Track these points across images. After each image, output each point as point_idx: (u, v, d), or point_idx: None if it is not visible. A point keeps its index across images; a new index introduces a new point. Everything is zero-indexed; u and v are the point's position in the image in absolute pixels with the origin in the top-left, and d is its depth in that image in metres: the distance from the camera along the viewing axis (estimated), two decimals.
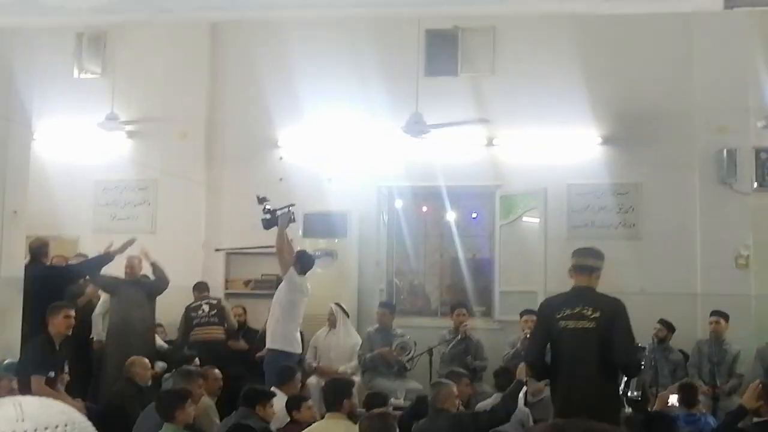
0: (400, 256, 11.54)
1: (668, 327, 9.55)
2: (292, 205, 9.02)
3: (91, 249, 10.09)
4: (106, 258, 9.18)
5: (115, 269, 9.51)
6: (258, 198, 8.91)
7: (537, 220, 10.75)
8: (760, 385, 6.69)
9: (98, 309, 9.67)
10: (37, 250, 8.64)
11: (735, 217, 10.26)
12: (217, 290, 10.93)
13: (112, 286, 9.41)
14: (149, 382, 7.92)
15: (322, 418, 6.64)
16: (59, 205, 11.22)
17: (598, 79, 10.56)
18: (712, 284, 10.16)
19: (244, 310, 10.72)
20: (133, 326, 9.15)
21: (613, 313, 5.77)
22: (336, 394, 6.53)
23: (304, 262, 8.98)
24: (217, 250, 11.41)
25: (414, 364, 9.69)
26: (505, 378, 7.71)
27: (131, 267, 9.49)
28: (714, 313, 9.50)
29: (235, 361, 9.66)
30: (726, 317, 9.44)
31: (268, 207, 8.89)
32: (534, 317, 7.23)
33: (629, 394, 6.35)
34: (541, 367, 6.16)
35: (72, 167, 11.56)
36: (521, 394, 7.08)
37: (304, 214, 10.52)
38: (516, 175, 10.87)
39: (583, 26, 10.52)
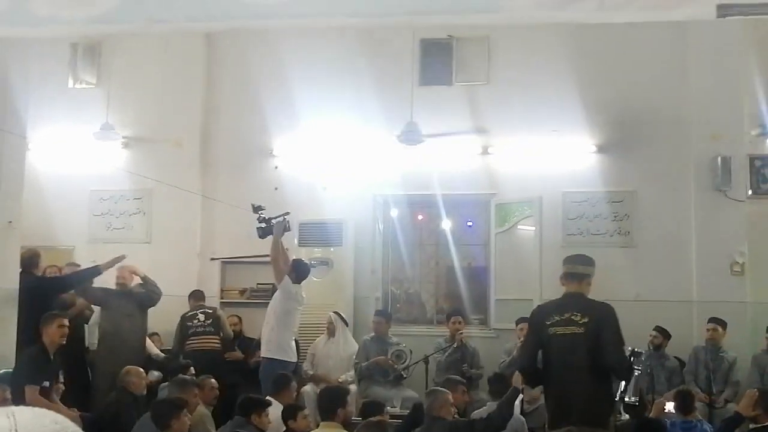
0: (395, 265, 11.54)
1: (664, 334, 9.56)
2: (287, 213, 9.02)
3: (87, 259, 10.07)
4: (95, 271, 9.14)
5: (108, 281, 9.49)
6: (253, 207, 8.91)
7: (532, 228, 10.75)
8: (757, 393, 6.71)
9: (93, 319, 9.65)
10: (28, 261, 8.62)
11: (730, 224, 10.27)
12: (212, 299, 10.92)
13: (102, 298, 9.36)
14: (144, 391, 7.90)
15: (317, 426, 6.64)
16: (54, 215, 11.20)
17: (592, 88, 10.58)
18: (708, 291, 10.16)
19: (240, 319, 10.71)
20: (123, 337, 9.11)
21: (602, 317, 5.83)
22: (331, 402, 6.53)
23: (299, 271, 8.98)
24: (212, 259, 11.40)
25: (410, 373, 9.69)
26: (499, 384, 7.71)
27: (123, 278, 9.46)
28: (712, 320, 9.50)
29: (231, 370, 9.65)
30: (723, 324, 9.45)
31: (263, 216, 8.89)
32: None
33: (626, 399, 6.37)
34: (532, 374, 6.22)
35: (67, 177, 11.54)
36: (517, 402, 7.08)
37: (300, 223, 10.52)
38: (511, 184, 10.88)
39: (577, 35, 10.54)
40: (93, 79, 12.04)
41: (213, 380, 7.88)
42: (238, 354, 10.09)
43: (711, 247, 10.25)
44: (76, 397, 8.30)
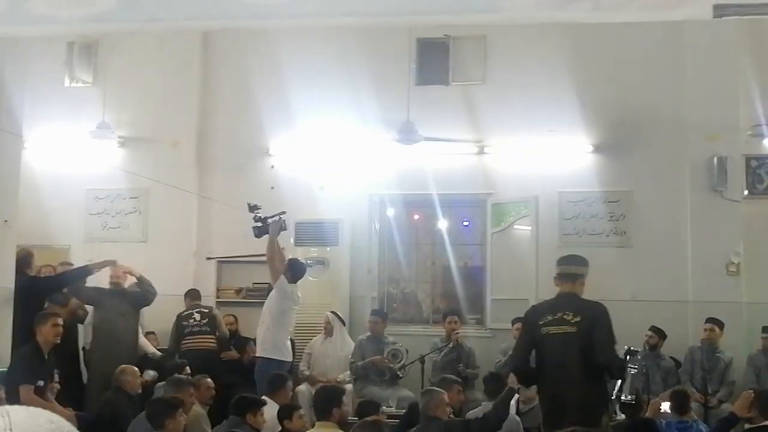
0: (391, 265, 11.53)
1: (659, 334, 9.57)
2: (283, 212, 9.02)
3: (83, 258, 10.06)
4: (86, 271, 9.12)
5: (102, 280, 9.47)
6: (249, 206, 8.91)
7: (528, 228, 10.76)
8: (753, 394, 6.72)
9: (88, 319, 9.63)
10: (21, 261, 8.60)
11: (726, 224, 10.28)
12: (208, 299, 10.90)
13: (95, 297, 9.33)
14: (139, 391, 7.90)
15: (313, 426, 6.63)
16: (50, 214, 11.18)
17: (588, 88, 10.58)
18: (703, 291, 10.17)
19: (236, 318, 10.69)
20: (117, 336, 9.09)
21: (594, 317, 5.87)
22: (326, 402, 6.52)
23: (295, 271, 8.98)
24: (208, 258, 11.39)
25: (406, 372, 9.69)
26: (494, 384, 7.71)
27: (116, 278, 9.44)
28: (709, 320, 9.51)
29: (227, 369, 9.64)
30: (721, 325, 9.45)
31: (259, 215, 8.88)
32: None
33: (622, 398, 6.38)
34: (525, 373, 6.26)
35: (63, 176, 11.52)
36: (513, 402, 7.08)
37: (296, 223, 10.51)
38: (507, 183, 10.88)
39: (574, 35, 10.54)
40: (89, 78, 12.02)
41: (209, 380, 7.87)
42: (233, 353, 10.08)
43: (707, 248, 10.26)
44: (71, 397, 8.29)
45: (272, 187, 11.09)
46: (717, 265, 10.21)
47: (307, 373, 9.86)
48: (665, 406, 7.64)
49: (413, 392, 9.12)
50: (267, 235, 8.85)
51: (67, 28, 7.92)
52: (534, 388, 6.88)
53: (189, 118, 11.58)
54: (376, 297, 11.23)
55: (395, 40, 11.04)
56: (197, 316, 10.01)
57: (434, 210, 11.09)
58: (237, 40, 11.42)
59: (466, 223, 11.56)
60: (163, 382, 7.99)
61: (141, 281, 9.50)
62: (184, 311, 10.18)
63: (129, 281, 9.57)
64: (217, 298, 11.32)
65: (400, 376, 9.67)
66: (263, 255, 9.05)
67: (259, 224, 8.87)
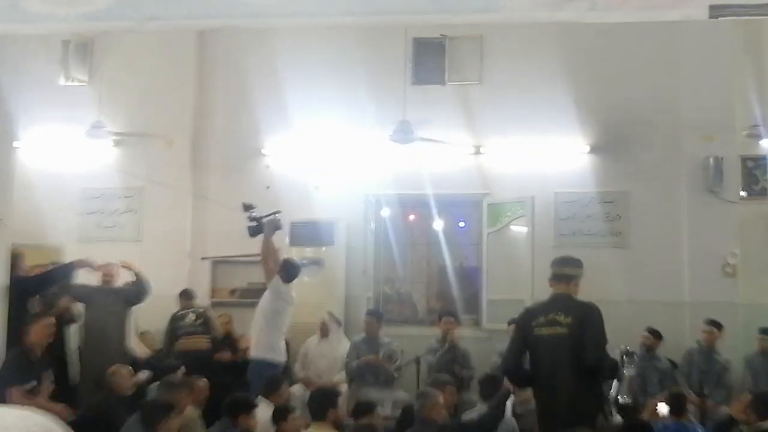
0: (387, 265, 11.50)
1: (656, 335, 9.53)
2: (278, 212, 8.99)
3: (77, 258, 9.99)
4: (70, 267, 9.01)
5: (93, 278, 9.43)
6: (243, 205, 8.87)
7: (524, 229, 10.74)
8: (751, 397, 6.71)
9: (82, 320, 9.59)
10: (11, 261, 8.55)
11: (722, 225, 10.28)
12: (203, 299, 10.87)
13: (85, 294, 9.28)
14: (131, 392, 7.85)
15: (307, 427, 6.61)
16: (44, 213, 11.10)
17: (585, 88, 10.57)
18: (700, 293, 10.17)
19: (230, 319, 10.64)
20: (108, 334, 9.05)
21: (585, 317, 5.89)
22: (322, 403, 6.50)
23: (289, 271, 8.93)
24: (203, 258, 11.35)
25: (401, 374, 9.66)
26: (490, 385, 7.68)
27: (108, 276, 9.40)
28: (708, 322, 9.50)
29: (222, 370, 9.60)
30: (720, 327, 9.44)
31: (254, 214, 8.85)
32: None
33: (620, 399, 6.36)
34: (517, 375, 6.26)
35: (57, 175, 11.47)
36: (509, 404, 7.06)
37: (291, 223, 10.47)
38: (503, 184, 10.87)
39: (570, 35, 10.53)
40: (85, 77, 11.97)
41: (203, 381, 7.83)
42: (225, 355, 10.04)
43: (703, 248, 10.26)
44: (63, 396, 8.23)
45: (268, 187, 11.06)
46: (713, 266, 10.21)
47: (302, 374, 9.82)
48: (662, 408, 7.63)
49: (408, 394, 9.10)
50: (261, 235, 8.82)
51: (63, 27, 7.88)
52: (530, 389, 6.87)
53: (184, 117, 11.55)
54: (371, 297, 11.20)
55: (392, 39, 11.01)
56: (192, 317, 9.97)
57: (430, 210, 11.07)
58: (233, 39, 11.39)
59: (461, 224, 11.54)
60: (156, 383, 7.95)
61: (138, 277, 9.46)
62: (179, 311, 10.14)
63: (122, 278, 9.52)
64: (212, 298, 11.28)
65: (396, 377, 9.64)
66: (258, 255, 9.01)
67: (254, 224, 8.84)
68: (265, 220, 8.83)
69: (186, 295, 10.44)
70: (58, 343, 8.90)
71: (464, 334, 10.29)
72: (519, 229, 10.85)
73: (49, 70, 11.76)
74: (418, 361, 9.58)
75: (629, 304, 10.00)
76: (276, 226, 8.88)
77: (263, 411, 7.00)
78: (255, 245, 9.07)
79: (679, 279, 10.35)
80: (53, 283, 8.95)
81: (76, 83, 11.98)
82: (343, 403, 8.31)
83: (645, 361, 9.19)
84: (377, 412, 7.21)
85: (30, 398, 7.04)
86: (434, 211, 11.07)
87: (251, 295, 10.63)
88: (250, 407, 6.75)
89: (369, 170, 11.09)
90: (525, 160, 10.81)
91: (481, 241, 11.15)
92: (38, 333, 7.42)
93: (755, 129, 10.34)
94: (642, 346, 9.31)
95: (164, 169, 11.19)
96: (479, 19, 8.11)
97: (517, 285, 10.45)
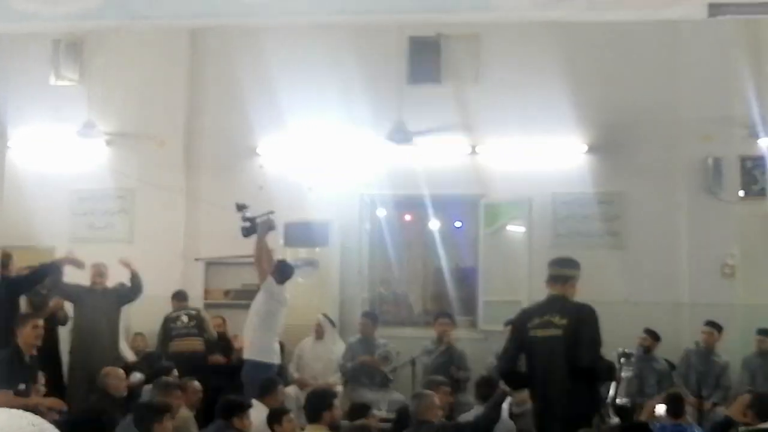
0: (382, 266, 11.45)
1: (653, 336, 9.51)
2: (272, 212, 8.93)
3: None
4: (54, 265, 8.84)
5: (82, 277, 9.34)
6: (237, 205, 8.81)
7: (521, 229, 10.72)
8: (750, 398, 6.68)
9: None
10: (1, 262, 8.47)
11: (720, 225, 10.25)
12: (196, 300, 10.81)
13: (74, 294, 9.21)
14: (124, 394, 7.77)
15: (303, 429, 6.56)
16: (35, 214, 11.01)
17: (582, 88, 10.51)
18: (698, 293, 10.15)
19: (224, 320, 10.60)
20: (98, 335, 8.99)
21: (580, 318, 5.91)
22: (318, 405, 6.47)
23: (283, 272, 8.88)
24: (196, 259, 11.28)
25: (396, 375, 9.61)
26: (487, 388, 7.63)
27: (99, 275, 9.31)
28: (708, 323, 9.47)
29: (215, 372, 9.55)
30: (719, 329, 9.42)
31: (247, 214, 8.79)
32: None
33: (617, 401, 6.32)
34: (512, 376, 6.26)
35: (48, 176, 11.38)
36: (505, 405, 7.02)
37: (285, 223, 10.40)
38: (500, 184, 10.80)
39: (568, 34, 10.46)
40: (75, 76, 11.87)
41: (196, 383, 7.78)
42: (219, 358, 9.98)
43: (701, 249, 10.23)
44: (56, 397, 8.16)
45: (261, 187, 10.98)
46: (712, 267, 10.19)
47: (296, 375, 9.76)
48: (660, 409, 7.59)
49: (404, 395, 9.06)
50: (255, 235, 8.76)
51: (53, 26, 7.82)
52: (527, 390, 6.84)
53: (176, 117, 11.48)
54: (366, 298, 11.15)
55: (387, 38, 10.95)
56: (185, 318, 9.95)
57: (426, 210, 11.01)
58: (225, 38, 11.31)
59: (458, 224, 11.50)
60: (149, 385, 7.89)
61: (134, 277, 9.41)
62: (172, 313, 10.10)
63: (113, 279, 9.45)
64: (205, 299, 11.21)
65: (391, 378, 9.59)
66: (252, 256, 8.97)
67: (247, 224, 8.78)
68: (258, 220, 8.78)
69: (179, 297, 10.39)
70: (51, 343, 8.84)
71: (460, 336, 10.24)
72: (516, 230, 10.81)
73: (39, 69, 11.66)
74: (413, 362, 9.53)
75: (627, 304, 9.95)
76: (269, 226, 8.83)
77: (257, 412, 6.95)
78: (249, 246, 9.02)
79: (678, 279, 10.31)
80: (39, 281, 8.82)
81: (66, 83, 11.88)
82: (339, 405, 8.25)
83: (642, 362, 9.18)
84: (372, 414, 7.18)
85: (20, 401, 6.96)
86: (430, 211, 11.01)
87: (245, 296, 10.55)
88: (243, 408, 6.74)
89: (364, 170, 11.03)
90: (522, 160, 10.75)
91: (478, 241, 11.10)
92: (27, 335, 7.34)
93: (754, 129, 10.29)
94: (639, 347, 9.28)
95: (156, 169, 11.12)
96: (475, 17, 8.08)
97: (513, 286, 10.41)
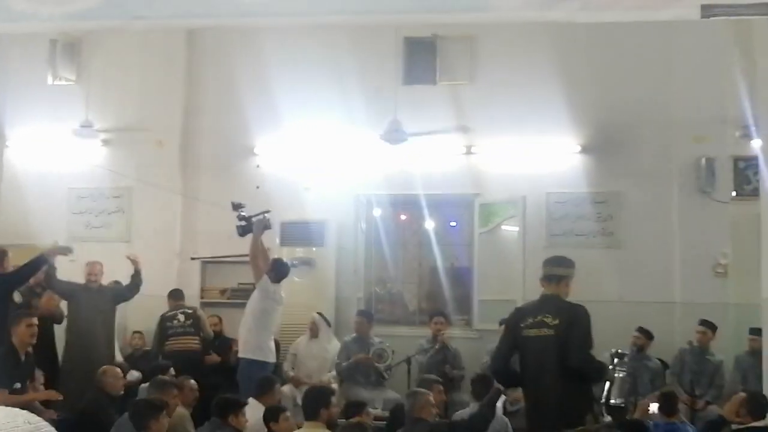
0: (378, 265, 11.47)
1: (647, 335, 9.53)
2: (268, 211, 8.94)
3: (64, 258, 9.91)
4: (42, 259, 8.71)
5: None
6: (233, 204, 8.83)
7: (516, 229, 10.73)
8: (743, 396, 6.71)
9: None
10: None
11: (713, 225, 10.27)
12: (192, 299, 10.83)
13: (68, 291, 9.21)
14: (121, 392, 7.80)
15: (299, 427, 6.58)
16: (32, 213, 11.05)
17: (577, 88, 10.54)
18: (691, 293, 10.17)
19: (220, 319, 10.62)
20: (92, 333, 8.99)
21: (572, 318, 5.92)
22: (315, 402, 6.48)
23: (278, 271, 8.89)
24: (192, 258, 11.30)
25: (391, 374, 9.64)
26: (481, 385, 7.67)
27: (94, 273, 9.31)
28: (702, 323, 9.49)
29: (211, 371, 9.57)
30: (714, 328, 9.44)
31: (243, 213, 8.81)
32: None
33: (611, 401, 6.36)
34: (504, 375, 6.28)
35: (45, 175, 11.41)
36: (500, 403, 7.05)
37: (281, 223, 10.43)
38: (495, 184, 10.84)
39: (562, 35, 10.50)
40: (73, 76, 11.90)
41: (193, 381, 7.79)
42: (214, 357, 10.00)
43: (694, 249, 10.26)
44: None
45: (258, 187, 11.02)
46: (704, 266, 10.22)
47: (291, 374, 9.79)
48: (653, 408, 7.61)
49: (399, 394, 9.07)
50: (251, 234, 8.78)
51: (50, 26, 7.84)
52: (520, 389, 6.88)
53: (173, 116, 11.50)
54: (362, 298, 11.17)
55: (382, 38, 10.99)
56: (181, 317, 9.95)
57: (421, 210, 11.04)
58: (222, 38, 11.34)
59: (453, 224, 11.52)
60: (146, 383, 7.91)
61: (136, 275, 9.42)
62: (168, 312, 10.11)
63: (107, 277, 9.47)
64: (202, 298, 11.24)
65: (386, 377, 9.62)
66: (248, 255, 8.98)
67: (243, 223, 8.80)
68: (254, 219, 8.78)
69: (175, 296, 10.40)
70: (47, 342, 8.86)
71: (455, 335, 10.28)
72: (510, 230, 10.83)
73: (36, 69, 11.68)
74: (408, 361, 9.55)
75: (621, 304, 10.00)
76: (265, 225, 8.84)
77: (254, 410, 6.97)
78: (245, 245, 9.02)
79: (671, 279, 10.34)
80: (29, 277, 8.74)
81: (63, 82, 11.91)
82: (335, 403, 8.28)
83: (636, 361, 9.17)
84: (368, 411, 7.20)
85: (15, 399, 6.99)
86: (425, 211, 11.03)
87: (241, 295, 10.59)
88: (239, 407, 6.74)
89: (360, 170, 11.06)
90: (517, 160, 10.78)
91: (473, 241, 11.13)
92: (22, 333, 7.36)
93: (747, 129, 10.29)
94: (633, 346, 9.31)
95: (153, 168, 11.14)
96: (470, 18, 8.10)
97: (508, 285, 10.43)
